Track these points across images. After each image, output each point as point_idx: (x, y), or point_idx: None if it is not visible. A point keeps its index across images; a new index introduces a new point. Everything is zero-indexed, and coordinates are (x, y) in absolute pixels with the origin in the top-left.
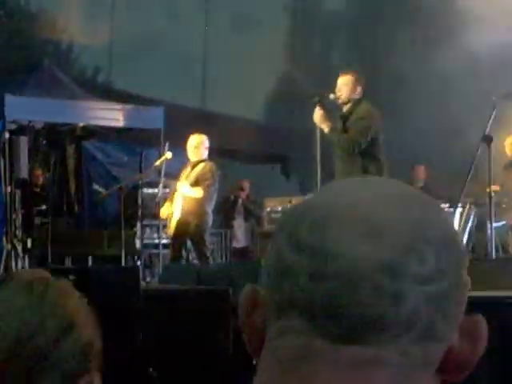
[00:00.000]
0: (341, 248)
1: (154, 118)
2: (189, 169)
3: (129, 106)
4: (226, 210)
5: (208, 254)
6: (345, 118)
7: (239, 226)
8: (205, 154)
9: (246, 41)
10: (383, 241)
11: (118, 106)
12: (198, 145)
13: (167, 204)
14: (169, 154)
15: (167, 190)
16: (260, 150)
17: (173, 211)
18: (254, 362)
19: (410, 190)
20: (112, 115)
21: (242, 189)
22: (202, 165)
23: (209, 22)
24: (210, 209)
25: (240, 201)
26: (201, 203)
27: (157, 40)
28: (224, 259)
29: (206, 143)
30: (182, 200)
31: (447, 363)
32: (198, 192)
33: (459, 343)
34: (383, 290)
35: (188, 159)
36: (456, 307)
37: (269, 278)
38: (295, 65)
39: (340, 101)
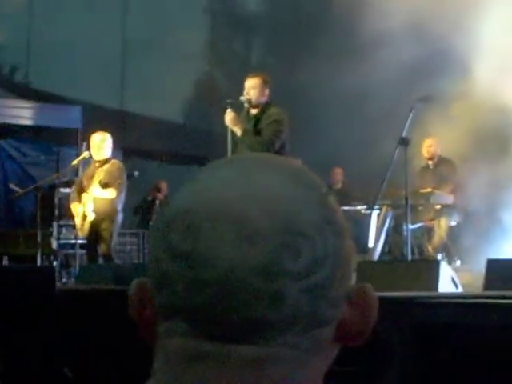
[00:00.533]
0: (214, 254)
1: (71, 118)
2: (94, 168)
3: (46, 105)
4: (143, 211)
5: (113, 255)
6: (256, 120)
7: None
8: (109, 151)
9: (166, 41)
10: (255, 242)
11: (35, 105)
12: (100, 143)
13: (75, 204)
14: (86, 154)
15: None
16: (178, 151)
17: (85, 212)
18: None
19: (282, 174)
20: (29, 114)
21: (159, 190)
22: (109, 164)
23: (127, 22)
24: (120, 208)
25: (157, 202)
26: (112, 203)
27: (75, 40)
28: (142, 260)
29: (110, 141)
30: (92, 200)
31: (341, 334)
32: (112, 193)
33: (350, 314)
34: (261, 293)
35: None
36: (340, 285)
37: (151, 278)
38: (215, 66)
39: (249, 103)
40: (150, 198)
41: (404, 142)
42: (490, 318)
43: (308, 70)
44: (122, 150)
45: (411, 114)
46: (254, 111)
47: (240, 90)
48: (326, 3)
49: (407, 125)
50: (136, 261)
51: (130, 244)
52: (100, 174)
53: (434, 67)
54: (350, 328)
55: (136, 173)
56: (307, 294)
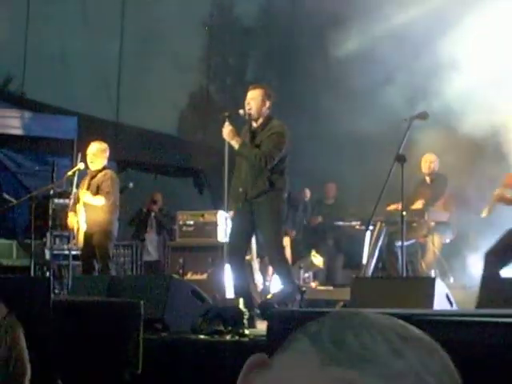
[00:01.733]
0: (370, 315)
1: (66, 128)
2: (88, 178)
3: (41, 115)
4: (138, 223)
5: (110, 266)
6: (254, 133)
7: (151, 239)
8: (104, 162)
9: (162, 54)
10: (407, 331)
11: (30, 115)
12: (97, 152)
13: (71, 214)
14: (81, 165)
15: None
16: (173, 163)
17: (79, 222)
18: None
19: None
20: (24, 124)
21: (154, 202)
22: (101, 173)
23: (124, 35)
24: (113, 217)
25: (152, 214)
26: (104, 212)
27: (72, 51)
28: (135, 272)
29: (107, 152)
30: (85, 210)
31: None
32: (100, 200)
33: None
34: (390, 343)
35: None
36: None
37: None
38: (210, 79)
39: (249, 116)
40: (145, 210)
41: (401, 159)
42: (484, 336)
43: (303, 84)
44: (117, 161)
45: (408, 131)
46: (255, 124)
47: (235, 103)
48: (321, 18)
49: (404, 142)
50: (129, 273)
51: (123, 256)
52: (93, 183)
53: (427, 86)
54: None
55: (131, 184)
56: (417, 375)
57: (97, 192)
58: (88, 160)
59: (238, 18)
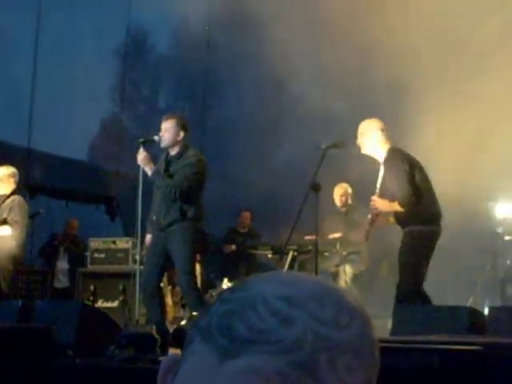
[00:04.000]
0: (251, 285)
1: None
2: None
3: None
4: (50, 249)
5: (7, 292)
6: (170, 161)
7: (62, 266)
8: (12, 187)
9: (75, 80)
10: (292, 286)
11: None
12: (4, 177)
13: None
14: None
15: None
16: (85, 190)
17: None
18: None
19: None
20: None
21: (70, 228)
22: (10, 199)
23: (38, 60)
24: (19, 243)
25: (67, 240)
26: (9, 239)
27: None
28: (47, 298)
29: (15, 176)
30: None
31: None
32: (6, 230)
33: None
34: (277, 312)
35: None
36: (347, 369)
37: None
38: (123, 107)
39: (163, 144)
40: (60, 237)
41: (315, 187)
42: (397, 361)
43: (217, 114)
44: (28, 187)
45: (323, 160)
46: (172, 153)
47: (147, 132)
48: (236, 44)
49: (317, 169)
50: (39, 299)
51: (33, 282)
52: (1, 208)
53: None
54: None
55: (41, 210)
56: (314, 337)
57: (4, 221)
58: None
59: (151, 46)
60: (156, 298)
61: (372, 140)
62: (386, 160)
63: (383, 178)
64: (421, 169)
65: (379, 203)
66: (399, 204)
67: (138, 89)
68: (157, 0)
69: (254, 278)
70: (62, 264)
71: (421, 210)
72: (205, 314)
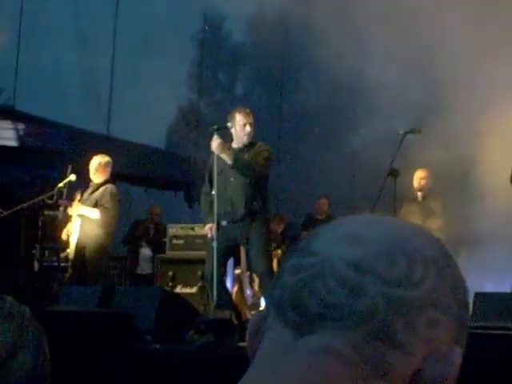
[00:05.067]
0: (319, 248)
1: (56, 140)
2: (89, 190)
3: (31, 127)
4: (135, 236)
5: (99, 280)
6: (241, 151)
7: (145, 252)
8: (107, 175)
9: (153, 68)
10: (358, 243)
11: (21, 127)
12: (99, 166)
13: (68, 226)
14: (72, 177)
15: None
16: (163, 177)
17: (71, 234)
18: None
19: (406, 223)
20: (14, 135)
21: (152, 215)
22: (103, 188)
23: (116, 49)
24: (108, 232)
25: (151, 227)
26: (98, 226)
27: (63, 64)
28: (128, 284)
29: (110, 165)
30: (80, 222)
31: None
32: (95, 213)
33: (428, 367)
34: (345, 282)
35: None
36: (428, 325)
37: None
38: (200, 94)
39: (246, 139)
40: (143, 224)
41: (393, 173)
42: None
43: (293, 100)
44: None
45: (400, 146)
46: (239, 145)
47: (224, 119)
48: (313, 35)
49: (396, 156)
50: (120, 285)
51: (114, 268)
52: (93, 196)
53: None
54: (424, 380)
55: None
56: (388, 303)
57: (94, 205)
58: (91, 174)
59: (228, 33)
60: (225, 285)
61: None
62: None
63: None
64: None
65: None
66: None
67: (216, 75)
68: None
69: (322, 235)
70: (145, 250)
71: None
72: (277, 283)
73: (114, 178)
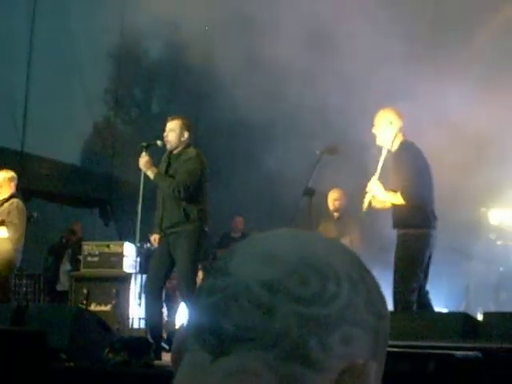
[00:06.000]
0: (234, 268)
1: None
2: None
3: None
4: (55, 253)
5: (10, 296)
6: (170, 161)
7: (64, 269)
8: (11, 190)
9: (68, 84)
10: (272, 263)
11: None
12: (3, 181)
13: None
14: None
15: None
16: (79, 194)
17: None
18: None
19: (318, 238)
20: None
21: (73, 232)
22: (8, 203)
23: (32, 63)
24: (17, 247)
25: (71, 245)
26: (7, 242)
27: None
28: (39, 302)
29: (14, 180)
30: None
31: None
32: (3, 232)
33: (342, 382)
34: (259, 303)
35: None
36: (341, 342)
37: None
38: (116, 111)
39: (168, 146)
40: (63, 241)
41: (309, 193)
42: (393, 366)
43: (210, 119)
44: (22, 191)
45: (317, 165)
46: (173, 152)
47: (140, 136)
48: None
49: (313, 175)
50: (32, 303)
51: (25, 286)
52: (0, 212)
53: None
54: None
55: (35, 214)
56: (300, 322)
57: (2, 222)
58: None
59: (145, 50)
60: (159, 302)
61: (386, 130)
62: (397, 151)
63: (391, 169)
64: (429, 168)
65: (378, 187)
66: (402, 196)
67: (131, 92)
68: (150, 2)
69: (237, 254)
70: (66, 266)
71: (418, 211)
72: (193, 307)
73: (29, 194)
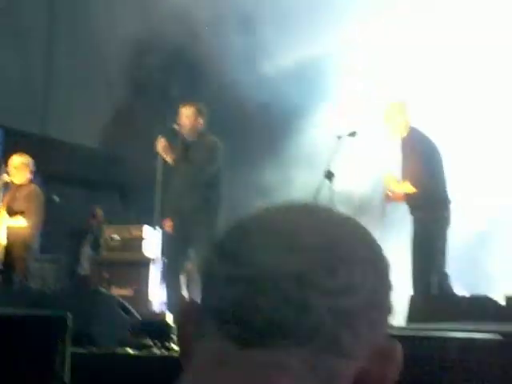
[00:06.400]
0: (255, 256)
1: None
2: (12, 191)
3: None
4: (76, 237)
5: (29, 280)
6: (188, 148)
7: (86, 253)
8: (28, 176)
9: (88, 68)
10: (295, 251)
11: None
12: (19, 166)
13: None
14: (6, 177)
15: None
16: (99, 177)
17: None
18: None
19: (335, 216)
20: None
21: (94, 216)
22: (25, 190)
23: (53, 48)
24: (35, 232)
25: (92, 229)
26: (25, 230)
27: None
28: (65, 285)
29: (31, 165)
30: (6, 225)
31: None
32: (22, 222)
33: (372, 366)
34: (290, 299)
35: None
36: (369, 327)
37: (201, 285)
38: (135, 94)
39: (183, 132)
40: (84, 225)
41: (329, 176)
42: (413, 349)
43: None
44: (42, 175)
45: (337, 149)
46: (188, 140)
47: (159, 120)
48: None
49: (332, 159)
50: (53, 287)
51: (46, 270)
52: (17, 198)
53: None
54: (369, 379)
55: (56, 198)
56: (333, 315)
57: (19, 210)
58: (11, 174)
59: (165, 35)
60: (178, 286)
61: (395, 121)
62: (406, 140)
63: (403, 158)
64: (439, 153)
65: (390, 180)
66: (413, 185)
67: (151, 76)
68: None
69: (254, 236)
70: (87, 250)
71: (432, 195)
72: (211, 291)
73: (48, 178)
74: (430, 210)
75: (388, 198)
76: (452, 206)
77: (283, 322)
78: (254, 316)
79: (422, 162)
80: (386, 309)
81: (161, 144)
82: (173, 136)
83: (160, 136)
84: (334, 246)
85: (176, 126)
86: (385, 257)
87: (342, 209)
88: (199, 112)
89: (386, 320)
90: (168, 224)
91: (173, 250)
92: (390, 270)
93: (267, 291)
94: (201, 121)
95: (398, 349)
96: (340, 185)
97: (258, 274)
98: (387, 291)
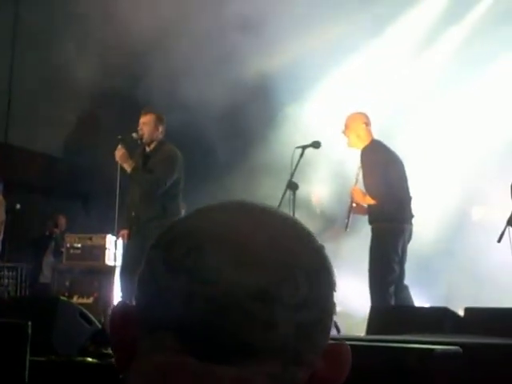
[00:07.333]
0: (213, 274)
1: None
2: None
3: None
4: (38, 245)
5: None
6: (147, 157)
7: (48, 261)
8: None
9: (52, 75)
10: (256, 267)
11: None
12: None
13: None
14: None
15: None
16: (62, 186)
17: None
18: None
19: (285, 220)
20: None
21: (56, 225)
22: None
23: (16, 54)
24: None
25: (54, 237)
26: None
27: None
28: (21, 294)
29: None
30: None
31: None
32: None
33: (324, 369)
34: (255, 317)
35: None
36: (323, 335)
37: (141, 295)
38: (99, 102)
39: (142, 140)
40: (47, 233)
41: (292, 187)
42: (371, 360)
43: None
44: (5, 182)
45: (300, 159)
46: (148, 148)
47: (124, 127)
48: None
49: (295, 169)
50: (13, 295)
51: (7, 278)
52: None
53: None
54: (322, 380)
55: (18, 206)
56: (297, 329)
57: None
58: None
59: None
60: (133, 294)
61: (355, 133)
62: (363, 152)
63: (362, 169)
64: (398, 165)
65: (356, 193)
66: (370, 197)
67: (116, 84)
68: None
69: (206, 246)
70: (49, 258)
71: (387, 205)
72: (163, 303)
73: (11, 186)
74: (384, 222)
75: (352, 210)
76: (414, 218)
77: (249, 340)
78: (219, 335)
79: (378, 173)
80: (332, 313)
81: (119, 152)
82: (135, 145)
83: (119, 144)
84: (292, 259)
85: (134, 135)
86: (330, 260)
87: (305, 220)
88: (159, 120)
89: (331, 325)
90: (122, 233)
91: (127, 259)
92: (334, 274)
93: (231, 310)
94: (160, 129)
95: (346, 348)
96: (303, 195)
97: (219, 293)
98: (333, 295)
